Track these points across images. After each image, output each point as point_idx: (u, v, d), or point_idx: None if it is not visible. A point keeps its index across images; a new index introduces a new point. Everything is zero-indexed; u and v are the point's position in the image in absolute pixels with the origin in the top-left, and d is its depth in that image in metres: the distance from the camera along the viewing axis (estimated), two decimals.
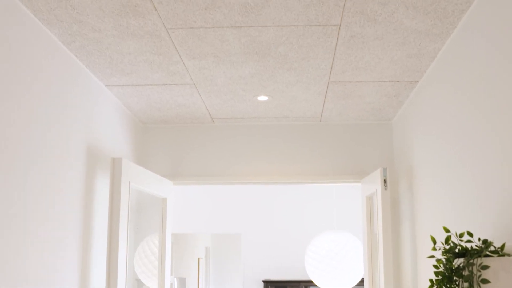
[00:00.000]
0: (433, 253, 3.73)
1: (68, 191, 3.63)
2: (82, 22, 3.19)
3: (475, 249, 2.42)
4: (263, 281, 7.77)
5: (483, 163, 2.87)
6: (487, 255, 2.37)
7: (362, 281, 5.95)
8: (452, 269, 2.46)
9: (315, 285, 6.76)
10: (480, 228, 2.90)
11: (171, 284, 7.17)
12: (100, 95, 4.19)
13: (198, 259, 7.92)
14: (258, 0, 2.93)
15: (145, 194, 4.83)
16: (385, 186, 4.37)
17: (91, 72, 3.95)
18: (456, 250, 2.51)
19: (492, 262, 2.30)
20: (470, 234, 2.55)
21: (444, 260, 2.51)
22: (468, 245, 2.80)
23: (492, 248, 2.47)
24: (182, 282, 7.71)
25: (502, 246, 2.40)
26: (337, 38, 3.40)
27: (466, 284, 2.39)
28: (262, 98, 4.51)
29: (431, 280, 2.63)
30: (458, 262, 2.47)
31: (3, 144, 2.84)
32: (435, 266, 2.55)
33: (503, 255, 2.35)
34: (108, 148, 4.35)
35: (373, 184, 4.60)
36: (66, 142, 3.60)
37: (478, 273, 2.32)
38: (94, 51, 3.60)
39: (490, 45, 2.76)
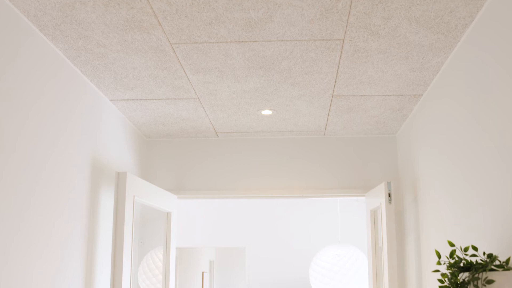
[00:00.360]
0: (438, 267, 3.73)
1: (72, 205, 3.64)
2: (87, 37, 3.21)
3: (480, 263, 2.41)
4: None
5: (487, 177, 2.87)
6: (492, 269, 2.37)
7: None
8: (457, 284, 2.45)
9: None
10: (485, 242, 2.90)
11: None
12: (105, 109, 4.21)
13: (202, 273, 7.90)
14: (262, 15, 2.95)
15: (149, 207, 4.83)
16: (390, 200, 4.37)
17: (96, 86, 3.97)
18: (461, 264, 2.51)
19: (497, 276, 2.29)
20: (475, 248, 2.55)
21: (449, 274, 2.51)
22: (473, 259, 2.80)
23: (497, 262, 2.46)
24: None
25: (507, 260, 2.39)
26: (341, 53, 3.42)
27: None
28: (266, 112, 4.52)
29: None
30: (463, 276, 2.47)
31: (9, 158, 2.85)
32: (440, 281, 2.55)
33: (508, 269, 2.34)
34: (112, 162, 4.36)
35: (378, 198, 4.60)
36: (71, 156, 3.62)
37: None
38: (99, 66, 3.62)
39: (493, 59, 2.77)
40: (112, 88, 4.01)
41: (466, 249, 2.58)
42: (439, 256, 2.65)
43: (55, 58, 3.37)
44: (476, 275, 2.36)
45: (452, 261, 2.54)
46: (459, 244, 3.30)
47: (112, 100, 4.24)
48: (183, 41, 3.26)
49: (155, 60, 3.52)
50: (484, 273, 2.34)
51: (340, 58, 3.50)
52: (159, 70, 3.68)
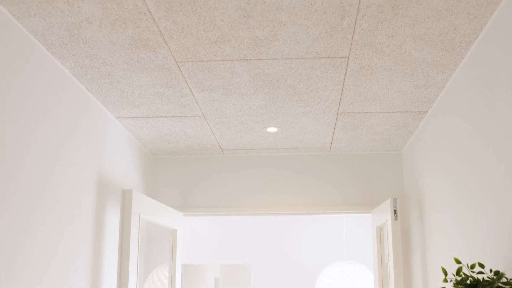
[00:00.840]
0: (445, 284, 3.71)
1: (78, 222, 3.64)
2: (94, 56, 3.24)
3: (487, 281, 2.41)
4: None
5: (492, 194, 2.87)
6: (499, 287, 2.36)
7: None
8: None
9: None
10: (492, 259, 2.89)
11: None
12: (111, 127, 4.23)
13: None
14: (267, 34, 2.97)
15: (155, 224, 4.83)
16: (396, 216, 4.36)
17: (102, 104, 4.00)
18: (468, 282, 2.50)
19: None
20: (482, 266, 2.54)
21: None
22: (480, 277, 2.79)
23: (504, 280, 2.45)
24: None
25: None
26: (346, 70, 3.43)
27: None
28: (272, 129, 4.53)
29: None
30: None
31: (15, 174, 2.87)
32: None
33: None
34: (118, 179, 4.37)
35: (384, 214, 4.59)
36: (76, 173, 3.63)
37: None
38: (105, 84, 3.65)
39: (497, 76, 2.78)
40: (118, 106, 4.03)
41: (472, 266, 2.58)
42: (446, 273, 2.64)
43: (62, 76, 3.40)
44: None
45: (458, 278, 2.53)
46: (466, 261, 3.29)
47: (118, 117, 4.26)
48: (188, 59, 3.28)
49: (161, 78, 3.54)
50: None
51: (345, 76, 3.51)
52: (165, 88, 3.71)
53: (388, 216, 4.44)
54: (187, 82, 3.61)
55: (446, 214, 3.73)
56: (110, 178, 4.20)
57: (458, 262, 2.57)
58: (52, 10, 2.74)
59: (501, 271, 2.69)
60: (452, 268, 3.61)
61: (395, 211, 4.37)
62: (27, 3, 2.68)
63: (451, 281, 2.62)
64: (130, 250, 4.04)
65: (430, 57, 3.25)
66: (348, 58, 3.28)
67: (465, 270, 3.18)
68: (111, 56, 3.25)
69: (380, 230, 4.88)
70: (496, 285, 2.35)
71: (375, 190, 5.15)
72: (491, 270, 2.53)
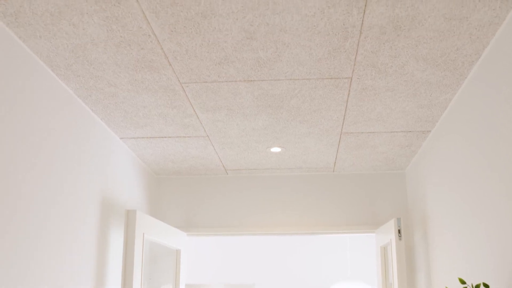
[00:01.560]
0: None
1: (82, 242, 3.64)
2: (98, 77, 3.26)
3: None
4: None
5: (495, 214, 2.87)
6: None
7: None
8: None
9: None
10: (495, 279, 2.88)
11: None
12: (115, 147, 4.24)
13: None
14: (271, 55, 2.99)
15: (158, 244, 4.83)
16: (400, 236, 4.35)
17: (106, 124, 4.01)
18: None
19: None
20: (486, 286, 2.53)
21: None
22: None
23: None
24: None
25: None
26: (349, 90, 3.45)
27: None
28: (275, 149, 4.54)
29: None
30: None
31: (20, 193, 2.88)
32: None
33: None
34: (122, 199, 4.38)
35: (388, 234, 4.58)
36: (81, 193, 3.64)
37: None
38: (110, 105, 3.67)
39: (500, 96, 2.79)
40: (122, 127, 4.05)
41: (477, 287, 2.57)
42: None
43: (66, 97, 3.42)
44: None
45: None
46: (470, 281, 3.28)
47: (122, 138, 4.28)
48: (192, 80, 3.30)
49: (165, 99, 3.56)
50: None
51: (348, 96, 3.53)
52: (169, 109, 3.72)
53: (392, 236, 4.43)
54: (191, 102, 3.62)
55: (450, 234, 3.72)
56: (114, 198, 4.20)
57: (462, 282, 2.57)
58: (57, 32, 2.76)
59: None
60: None
61: (399, 231, 4.36)
62: (34, 25, 2.71)
63: None
64: (134, 270, 4.03)
65: (433, 77, 3.26)
66: (351, 79, 3.29)
67: None
68: (116, 77, 3.27)
69: (384, 250, 4.87)
70: None
71: (379, 209, 5.15)
72: None
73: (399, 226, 4.37)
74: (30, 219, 2.98)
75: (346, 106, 3.68)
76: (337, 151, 4.59)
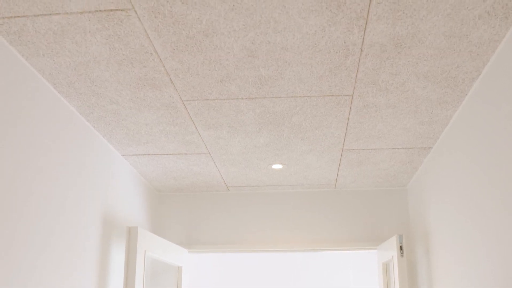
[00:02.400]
0: None
1: (84, 259, 3.64)
2: (100, 94, 3.27)
3: None
4: None
5: (497, 230, 2.87)
6: None
7: None
8: None
9: None
10: None
11: None
12: (117, 164, 4.25)
13: None
14: (272, 73, 3.01)
15: (160, 261, 4.82)
16: (402, 253, 4.34)
17: (108, 141, 4.03)
18: None
19: None
20: None
21: None
22: None
23: None
24: None
25: None
26: (350, 108, 3.46)
27: None
28: (277, 166, 4.54)
29: None
30: None
31: (22, 210, 2.88)
32: None
33: None
34: (124, 216, 4.38)
35: (389, 251, 4.57)
36: (82, 210, 3.64)
37: None
38: (112, 122, 3.68)
39: (500, 112, 2.80)
40: (124, 144, 4.06)
41: None
42: None
43: (68, 114, 3.44)
44: None
45: None
46: None
47: (124, 155, 4.29)
48: (194, 98, 3.32)
49: (166, 116, 3.58)
50: None
51: (349, 113, 3.54)
52: (170, 126, 3.74)
53: (394, 253, 4.42)
54: (192, 120, 3.64)
55: (452, 251, 3.72)
56: (115, 215, 4.21)
57: None
58: (60, 50, 2.78)
59: None
60: None
61: (401, 248, 4.35)
62: (37, 43, 2.72)
63: None
64: (135, 287, 4.02)
65: (434, 94, 3.28)
66: (352, 96, 3.31)
67: None
68: (118, 95, 3.28)
69: (386, 266, 4.86)
70: None
71: (381, 226, 5.14)
72: None
73: (400, 243, 4.37)
74: (32, 235, 2.98)
75: (347, 123, 3.69)
76: (339, 167, 4.60)
